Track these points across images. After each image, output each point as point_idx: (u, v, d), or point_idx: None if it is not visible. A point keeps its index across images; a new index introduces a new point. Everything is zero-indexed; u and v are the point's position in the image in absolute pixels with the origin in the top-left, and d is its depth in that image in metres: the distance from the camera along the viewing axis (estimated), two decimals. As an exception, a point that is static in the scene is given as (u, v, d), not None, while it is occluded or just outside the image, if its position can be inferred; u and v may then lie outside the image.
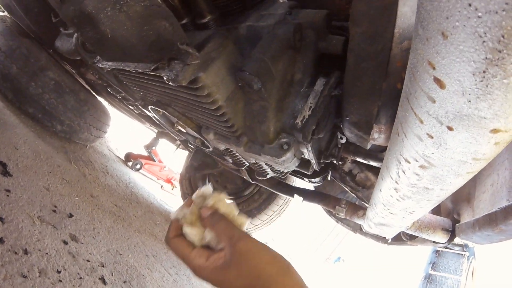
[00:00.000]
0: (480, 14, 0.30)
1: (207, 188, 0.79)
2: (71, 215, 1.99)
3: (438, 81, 0.39)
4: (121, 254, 2.10)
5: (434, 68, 0.39)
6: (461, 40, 0.33)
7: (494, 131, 0.40)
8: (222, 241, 0.68)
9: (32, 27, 2.36)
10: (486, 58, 0.32)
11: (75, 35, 1.70)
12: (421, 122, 0.47)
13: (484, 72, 0.34)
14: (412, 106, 0.48)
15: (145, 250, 2.45)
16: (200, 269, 0.66)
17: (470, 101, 0.37)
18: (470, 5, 0.31)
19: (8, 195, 1.65)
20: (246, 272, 0.62)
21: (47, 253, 1.56)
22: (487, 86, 0.35)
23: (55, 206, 1.93)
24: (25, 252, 1.45)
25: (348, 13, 0.83)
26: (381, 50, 0.77)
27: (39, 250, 1.54)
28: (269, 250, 0.66)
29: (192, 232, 0.73)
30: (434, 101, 0.42)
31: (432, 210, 1.56)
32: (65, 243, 1.74)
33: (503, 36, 0.30)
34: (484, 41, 0.32)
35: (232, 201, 0.72)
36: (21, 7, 2.24)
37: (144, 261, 2.29)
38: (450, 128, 0.43)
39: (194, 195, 0.79)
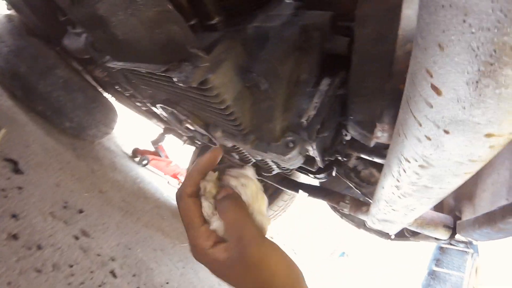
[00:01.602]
0: (473, 30, 0.33)
1: (247, 169, 0.68)
2: (81, 211, 2.04)
3: (435, 88, 0.42)
4: (130, 249, 2.15)
5: (431, 76, 0.41)
6: (456, 52, 0.36)
7: (488, 135, 0.43)
8: (230, 236, 0.59)
9: (40, 25, 2.39)
10: (479, 70, 0.35)
11: (85, 34, 1.73)
12: (420, 125, 0.50)
13: (477, 82, 0.36)
14: (412, 110, 0.51)
15: (153, 244, 2.50)
16: (200, 252, 0.59)
17: (464, 108, 0.40)
18: (464, 21, 0.33)
19: (20, 192, 1.69)
20: (253, 281, 0.55)
21: (59, 248, 1.61)
22: (480, 95, 0.37)
23: (66, 202, 1.98)
24: (39, 247, 1.50)
25: (353, 14, 0.85)
26: (385, 52, 0.79)
27: (52, 245, 1.58)
28: (284, 259, 0.59)
29: (204, 206, 0.62)
30: (431, 106, 0.45)
31: (435, 207, 1.58)
32: (76, 238, 1.78)
33: (494, 51, 0.32)
34: (477, 55, 0.34)
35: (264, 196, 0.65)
36: (28, 6, 2.26)
37: (152, 255, 2.33)
38: (446, 132, 0.46)
39: (230, 170, 0.69)
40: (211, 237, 0.60)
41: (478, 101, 0.38)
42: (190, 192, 0.64)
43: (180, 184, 0.63)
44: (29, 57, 2.43)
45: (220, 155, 0.69)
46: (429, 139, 0.50)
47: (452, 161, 0.52)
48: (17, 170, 1.81)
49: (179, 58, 0.81)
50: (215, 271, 0.59)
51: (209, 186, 0.64)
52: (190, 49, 0.75)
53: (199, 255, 0.59)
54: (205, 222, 0.62)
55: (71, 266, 1.57)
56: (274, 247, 0.59)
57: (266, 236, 0.62)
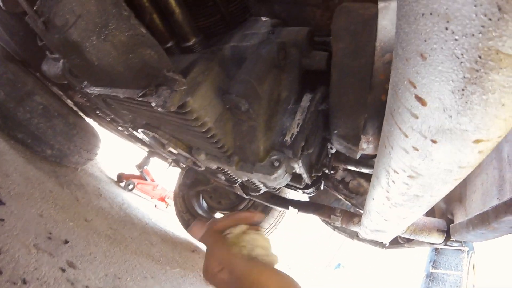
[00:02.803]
0: (457, 37, 0.31)
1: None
2: (66, 241, 1.96)
3: (419, 99, 0.41)
4: (119, 278, 2.07)
5: (415, 87, 0.40)
6: (439, 61, 0.35)
7: (477, 141, 0.42)
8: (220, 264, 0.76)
9: (18, 50, 2.34)
10: (464, 77, 0.34)
11: (62, 60, 1.69)
12: (406, 136, 0.49)
13: (463, 90, 0.35)
14: (397, 122, 0.49)
15: (143, 272, 2.42)
16: (211, 274, 0.76)
17: (451, 116, 0.39)
18: (446, 28, 0.32)
19: (2, 225, 1.62)
20: None
21: (45, 282, 1.54)
22: (466, 102, 0.36)
23: (50, 233, 1.90)
24: (24, 282, 1.43)
25: (330, 28, 0.85)
26: (364, 64, 0.78)
27: (38, 279, 1.51)
28: (275, 274, 0.72)
29: None
30: (417, 117, 0.43)
31: (426, 212, 1.58)
32: (63, 270, 1.71)
33: (480, 57, 0.31)
34: (461, 62, 0.33)
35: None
36: (6, 31, 2.22)
37: (143, 283, 2.25)
38: (434, 141, 0.45)
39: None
40: (219, 265, 0.75)
41: (464, 109, 0.37)
42: (220, 229, 0.81)
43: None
44: (7, 83, 2.36)
45: (259, 221, 0.88)
46: (416, 149, 0.49)
47: (441, 169, 0.51)
48: (-3, 202, 1.74)
49: (156, 83, 0.79)
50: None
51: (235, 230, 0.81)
52: (166, 73, 0.73)
53: (209, 276, 0.76)
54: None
55: (58, 301, 1.50)
56: (261, 267, 0.73)
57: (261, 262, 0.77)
